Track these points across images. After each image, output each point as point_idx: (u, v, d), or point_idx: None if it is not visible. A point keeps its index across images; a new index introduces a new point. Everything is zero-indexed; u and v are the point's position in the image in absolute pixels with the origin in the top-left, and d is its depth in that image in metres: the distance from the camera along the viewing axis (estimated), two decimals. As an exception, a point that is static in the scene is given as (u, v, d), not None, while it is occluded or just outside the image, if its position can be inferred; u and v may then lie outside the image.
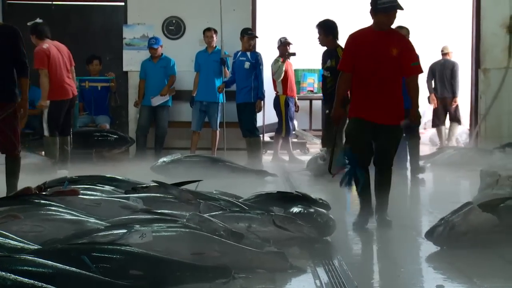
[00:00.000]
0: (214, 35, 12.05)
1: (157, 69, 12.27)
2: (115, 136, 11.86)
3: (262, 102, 11.85)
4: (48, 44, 10.21)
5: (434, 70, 13.57)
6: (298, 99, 12.92)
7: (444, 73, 13.49)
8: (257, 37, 12.26)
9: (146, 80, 12.36)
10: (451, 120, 13.74)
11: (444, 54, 13.69)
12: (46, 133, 10.11)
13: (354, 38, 6.47)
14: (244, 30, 11.88)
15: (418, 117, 6.53)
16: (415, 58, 6.47)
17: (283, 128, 12.12)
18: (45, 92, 10.15)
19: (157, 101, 12.20)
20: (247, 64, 11.64)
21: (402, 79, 6.55)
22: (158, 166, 9.77)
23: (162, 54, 12.35)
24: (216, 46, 12.10)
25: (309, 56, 13.45)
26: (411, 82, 6.46)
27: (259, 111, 11.88)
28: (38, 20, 10.46)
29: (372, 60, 6.33)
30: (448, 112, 13.60)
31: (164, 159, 10.01)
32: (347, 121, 6.69)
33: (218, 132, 12.11)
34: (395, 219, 6.43)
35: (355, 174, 6.32)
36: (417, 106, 6.52)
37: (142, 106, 12.37)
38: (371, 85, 6.35)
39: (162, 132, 12.31)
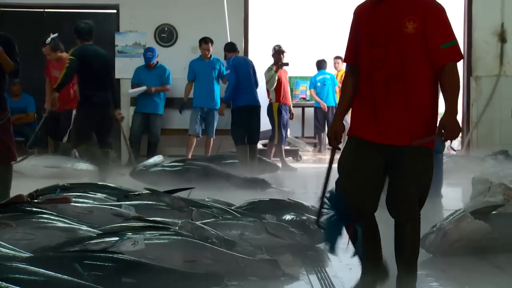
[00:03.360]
0: (211, 47, 12.04)
1: (152, 77, 12.27)
2: None
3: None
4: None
5: None
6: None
7: None
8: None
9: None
10: None
11: None
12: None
13: (357, 13, 4.32)
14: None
15: (455, 130, 4.05)
16: (448, 35, 4.11)
17: (276, 135, 12.12)
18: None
19: (133, 93, 12.20)
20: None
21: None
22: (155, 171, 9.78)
23: (157, 62, 12.36)
24: (211, 56, 12.09)
25: (301, 63, 13.49)
26: (445, 76, 4.08)
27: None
28: (53, 35, 10.94)
29: (376, 43, 4.15)
30: None
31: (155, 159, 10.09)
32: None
33: (212, 140, 12.10)
34: (386, 226, 6.43)
35: (339, 230, 4.32)
36: (455, 112, 4.07)
37: (135, 113, 12.35)
38: (377, 85, 4.14)
39: (155, 140, 12.30)
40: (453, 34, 4.15)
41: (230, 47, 11.66)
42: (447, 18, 4.18)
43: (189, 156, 11.71)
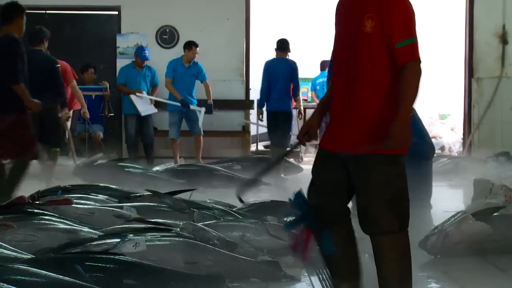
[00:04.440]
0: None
1: (142, 77, 12.18)
2: None
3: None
4: None
5: None
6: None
7: None
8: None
9: (128, 87, 12.16)
10: None
11: None
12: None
13: (335, 12, 4.02)
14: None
15: (400, 139, 3.63)
16: (405, 32, 3.69)
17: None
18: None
19: (143, 110, 12.09)
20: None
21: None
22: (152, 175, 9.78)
23: None
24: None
25: (302, 65, 13.47)
26: (401, 78, 3.69)
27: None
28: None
29: (342, 44, 3.87)
30: None
31: (158, 167, 10.03)
32: None
33: (202, 136, 11.82)
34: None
35: (305, 238, 3.94)
36: (403, 119, 3.63)
37: (126, 115, 12.21)
38: (338, 88, 3.85)
39: (150, 140, 12.21)
40: (410, 31, 3.69)
41: (278, 46, 11.31)
42: (408, 13, 3.70)
43: (177, 160, 11.63)
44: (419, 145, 7.63)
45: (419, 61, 3.72)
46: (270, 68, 11.00)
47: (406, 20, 3.69)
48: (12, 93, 7.16)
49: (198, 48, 11.67)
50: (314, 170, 3.95)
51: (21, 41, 7.38)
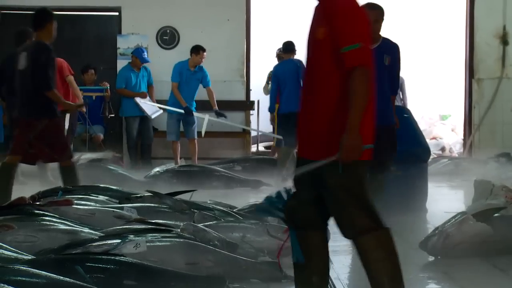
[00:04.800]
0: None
1: (140, 78, 12.20)
2: None
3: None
4: None
5: None
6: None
7: None
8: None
9: (128, 89, 12.17)
10: None
11: None
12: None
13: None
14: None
15: (353, 149, 3.57)
16: (350, 38, 3.62)
17: (275, 137, 12.10)
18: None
19: (152, 113, 12.08)
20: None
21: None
22: (152, 176, 9.78)
23: None
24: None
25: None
26: (350, 82, 3.60)
27: None
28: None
29: (308, 52, 3.93)
30: None
31: (158, 169, 10.02)
32: None
33: (196, 141, 11.82)
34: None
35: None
36: (353, 127, 3.57)
37: (128, 117, 12.19)
38: (302, 94, 3.94)
39: (150, 141, 12.23)
40: (356, 37, 3.63)
41: (284, 48, 11.22)
42: (354, 19, 3.67)
43: (178, 161, 11.64)
44: (414, 148, 7.61)
45: (366, 66, 3.62)
46: (277, 72, 10.93)
47: (352, 26, 3.65)
48: (43, 98, 7.28)
49: (205, 53, 11.67)
50: (292, 175, 3.96)
51: (51, 47, 7.49)
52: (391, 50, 6.89)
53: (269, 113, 11.85)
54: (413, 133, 7.72)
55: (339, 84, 3.66)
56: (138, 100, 11.93)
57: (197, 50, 11.71)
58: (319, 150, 3.70)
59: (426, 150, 8.05)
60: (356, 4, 3.74)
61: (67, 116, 10.40)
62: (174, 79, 11.76)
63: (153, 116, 11.95)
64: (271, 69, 12.27)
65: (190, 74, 11.72)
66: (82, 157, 10.10)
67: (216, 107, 11.79)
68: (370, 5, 6.70)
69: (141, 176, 9.92)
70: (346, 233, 3.77)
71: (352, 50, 3.60)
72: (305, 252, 3.86)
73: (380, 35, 6.85)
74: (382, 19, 6.84)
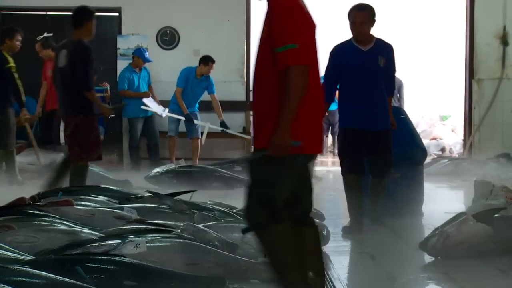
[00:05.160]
0: None
1: (141, 78, 12.22)
2: None
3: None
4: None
5: None
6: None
7: None
8: None
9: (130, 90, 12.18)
10: None
11: None
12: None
13: None
14: None
15: (280, 146, 3.64)
16: (283, 38, 3.65)
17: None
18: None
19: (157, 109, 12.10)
20: None
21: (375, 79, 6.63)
22: (152, 176, 9.78)
23: None
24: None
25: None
26: (285, 82, 3.64)
27: None
28: (47, 34, 11.09)
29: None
30: None
31: (158, 169, 10.02)
32: None
33: (199, 140, 11.90)
34: (389, 230, 6.44)
35: None
36: (283, 125, 3.63)
37: (132, 119, 12.18)
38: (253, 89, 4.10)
39: (156, 141, 12.25)
40: (290, 37, 3.64)
41: None
42: (289, 18, 3.68)
43: (173, 159, 11.68)
44: (411, 149, 7.50)
45: (301, 67, 3.64)
46: None
47: (286, 27, 3.66)
48: (78, 97, 7.37)
49: (214, 64, 11.71)
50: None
51: (91, 46, 7.56)
52: (385, 51, 6.83)
53: None
54: (409, 134, 7.66)
55: (276, 82, 3.70)
56: (146, 101, 11.95)
57: (206, 61, 11.78)
58: (260, 142, 3.78)
59: (422, 151, 7.90)
60: (295, 3, 3.75)
61: None
62: (179, 84, 11.82)
63: (163, 115, 11.96)
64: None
65: (196, 82, 11.80)
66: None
67: (222, 117, 11.87)
68: (358, 6, 6.71)
69: (141, 177, 9.92)
70: (249, 225, 3.84)
71: (284, 51, 3.63)
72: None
73: (373, 36, 6.80)
74: (372, 20, 6.68)
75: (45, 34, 11.03)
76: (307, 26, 3.78)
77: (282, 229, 3.77)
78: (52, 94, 10.16)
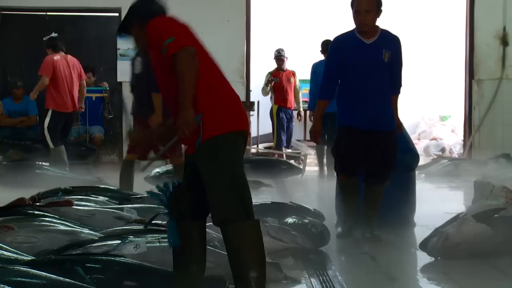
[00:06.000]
0: None
1: None
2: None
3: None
4: (60, 56, 10.70)
5: None
6: (293, 110, 12.93)
7: None
8: None
9: None
10: None
11: None
12: (50, 144, 10.35)
13: None
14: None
15: (183, 124, 3.76)
16: (161, 39, 3.91)
17: (274, 138, 12.11)
18: (37, 88, 10.76)
19: None
20: None
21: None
22: (152, 176, 9.78)
23: None
24: None
25: (303, 66, 13.47)
26: (175, 69, 3.85)
27: None
28: (53, 35, 11.02)
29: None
30: None
31: (158, 169, 10.01)
32: None
33: None
34: (389, 230, 6.43)
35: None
36: (183, 106, 3.77)
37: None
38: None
39: None
40: (164, 35, 3.89)
41: (323, 48, 10.83)
42: (157, 25, 4.02)
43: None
44: (403, 154, 6.63)
45: (182, 50, 3.83)
46: (316, 70, 10.70)
47: (159, 32, 3.94)
48: (146, 99, 7.56)
49: None
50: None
51: None
52: (390, 44, 6.23)
53: (308, 111, 11.80)
54: (401, 137, 6.66)
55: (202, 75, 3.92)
56: None
57: None
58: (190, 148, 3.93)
59: (415, 156, 7.15)
60: (155, 19, 4.08)
61: None
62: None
63: None
64: (270, 70, 12.30)
65: None
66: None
67: None
68: None
69: (141, 177, 9.90)
70: (213, 220, 3.90)
71: (166, 47, 3.83)
72: (184, 242, 3.97)
73: (377, 27, 6.22)
74: (378, 10, 6.14)
75: (52, 35, 11.05)
76: (176, 24, 4.06)
77: (245, 226, 3.83)
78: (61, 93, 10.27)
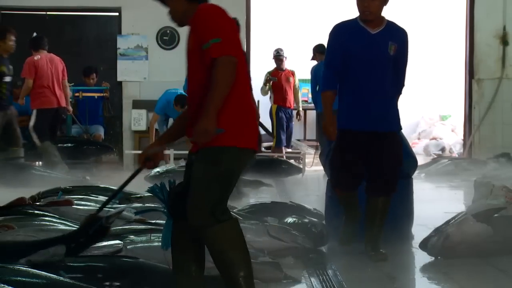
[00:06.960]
0: None
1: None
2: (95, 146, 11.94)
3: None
4: (40, 56, 10.52)
5: None
6: (293, 109, 12.93)
7: None
8: None
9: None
10: None
11: None
12: (37, 142, 10.32)
13: None
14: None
15: (202, 133, 3.66)
16: (207, 35, 3.81)
17: (273, 138, 12.11)
18: (23, 93, 10.65)
19: None
20: None
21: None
22: (152, 176, 9.78)
23: None
24: None
25: (303, 66, 13.47)
26: (212, 72, 3.71)
27: None
28: (34, 35, 10.98)
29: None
30: None
31: (158, 169, 10.01)
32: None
33: None
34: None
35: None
36: (207, 114, 3.64)
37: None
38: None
39: None
40: (212, 33, 3.78)
41: (321, 50, 10.82)
42: (208, 17, 3.90)
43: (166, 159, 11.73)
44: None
45: (225, 57, 3.71)
46: (316, 73, 10.75)
47: (208, 25, 3.83)
48: None
49: None
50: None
51: None
52: (397, 36, 5.54)
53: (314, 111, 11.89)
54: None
55: (203, 77, 3.81)
56: None
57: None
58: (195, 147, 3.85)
59: (413, 162, 6.48)
60: (213, 6, 3.96)
61: None
62: (157, 110, 11.86)
63: None
64: (269, 70, 12.30)
65: (176, 113, 11.49)
66: None
67: None
68: None
69: (141, 177, 9.91)
70: (192, 227, 3.83)
71: (210, 46, 3.73)
72: (183, 242, 3.96)
73: (383, 18, 5.55)
74: None
75: (34, 35, 11.06)
76: (228, 23, 3.91)
77: (223, 229, 3.80)
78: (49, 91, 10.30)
